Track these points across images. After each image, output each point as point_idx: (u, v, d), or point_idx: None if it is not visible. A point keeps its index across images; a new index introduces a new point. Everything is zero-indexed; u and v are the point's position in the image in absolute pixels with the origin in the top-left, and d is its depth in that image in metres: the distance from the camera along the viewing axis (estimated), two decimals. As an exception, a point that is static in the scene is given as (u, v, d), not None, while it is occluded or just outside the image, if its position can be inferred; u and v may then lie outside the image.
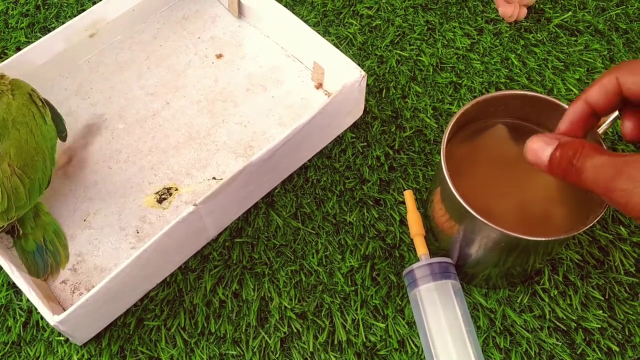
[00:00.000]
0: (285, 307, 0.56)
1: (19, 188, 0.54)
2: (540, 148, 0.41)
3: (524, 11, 0.71)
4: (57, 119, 0.59)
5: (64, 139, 0.61)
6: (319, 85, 0.68)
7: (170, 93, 0.67)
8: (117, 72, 0.68)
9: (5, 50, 0.71)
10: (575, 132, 0.45)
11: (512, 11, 0.70)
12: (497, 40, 0.71)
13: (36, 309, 0.56)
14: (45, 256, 0.57)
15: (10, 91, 0.54)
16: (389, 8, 0.74)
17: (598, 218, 0.47)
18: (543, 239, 0.46)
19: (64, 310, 0.55)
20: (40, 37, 0.71)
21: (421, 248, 0.56)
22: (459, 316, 0.53)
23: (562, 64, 0.69)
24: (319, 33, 0.64)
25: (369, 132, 0.65)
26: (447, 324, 0.52)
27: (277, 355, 0.54)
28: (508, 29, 0.72)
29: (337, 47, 0.63)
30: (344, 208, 0.61)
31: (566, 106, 0.51)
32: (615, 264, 0.58)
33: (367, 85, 0.67)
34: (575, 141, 0.40)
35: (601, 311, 0.56)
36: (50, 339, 0.55)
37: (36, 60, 0.63)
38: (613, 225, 0.60)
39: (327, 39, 0.64)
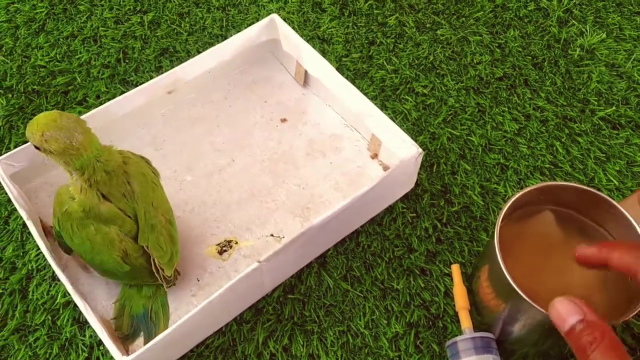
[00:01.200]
0: (333, 365, 0.59)
1: (173, 235, 0.59)
2: (565, 312, 0.42)
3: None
4: None
5: None
6: (375, 156, 0.72)
7: (237, 151, 0.72)
8: (189, 126, 0.74)
9: (87, 98, 0.76)
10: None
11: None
12: (544, 127, 0.75)
13: (98, 346, 0.60)
14: (146, 324, 0.60)
15: (130, 156, 0.58)
16: (443, 88, 0.79)
17: (638, 309, 0.50)
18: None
19: (126, 350, 0.59)
20: (119, 88, 0.77)
21: (465, 321, 0.59)
22: (498, 390, 0.55)
23: (604, 155, 0.73)
24: (377, 106, 0.69)
25: (419, 204, 0.69)
26: (486, 397, 0.55)
27: (322, 412, 0.57)
28: (554, 117, 0.76)
29: (393, 121, 0.68)
30: (391, 275, 0.65)
31: (613, 201, 0.55)
32: (649, 353, 0.60)
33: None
34: (600, 327, 0.40)
35: (634, 398, 0.58)
36: (110, 375, 0.58)
37: (118, 112, 0.69)
38: (648, 315, 0.62)
39: (384, 112, 0.69)
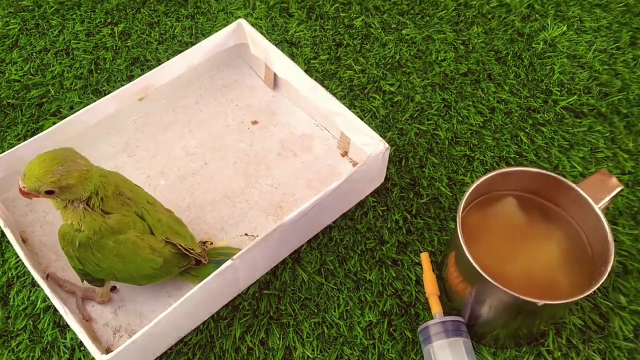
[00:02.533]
0: (308, 356, 0.61)
1: (178, 219, 0.63)
2: None
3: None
4: None
5: None
6: (345, 154, 0.74)
7: (209, 154, 0.74)
8: (161, 132, 0.75)
9: (60, 109, 0.78)
10: None
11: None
12: (508, 119, 0.78)
13: (79, 348, 0.61)
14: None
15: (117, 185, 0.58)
16: (409, 85, 0.81)
17: (598, 285, 0.52)
18: (548, 302, 0.51)
19: (106, 350, 0.60)
20: (92, 99, 0.78)
21: (436, 307, 0.61)
22: (469, 372, 0.57)
23: (568, 143, 0.76)
24: (345, 106, 0.71)
25: (389, 197, 0.71)
26: (458, 379, 0.57)
27: (299, 402, 0.58)
28: (518, 109, 0.78)
29: (362, 119, 0.70)
30: (364, 266, 0.66)
31: (571, 184, 0.57)
32: (615, 330, 0.62)
33: (389, 155, 0.73)
34: None
35: (601, 374, 0.60)
36: (91, 377, 0.60)
37: (90, 120, 0.70)
38: (613, 293, 0.64)
39: (352, 111, 0.71)
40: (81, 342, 0.60)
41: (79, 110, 0.76)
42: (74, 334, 0.61)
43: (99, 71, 0.82)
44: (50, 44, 0.85)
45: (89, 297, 0.63)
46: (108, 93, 0.78)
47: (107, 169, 0.57)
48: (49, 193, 0.52)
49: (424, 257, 0.65)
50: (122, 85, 0.79)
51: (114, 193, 0.56)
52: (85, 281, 0.61)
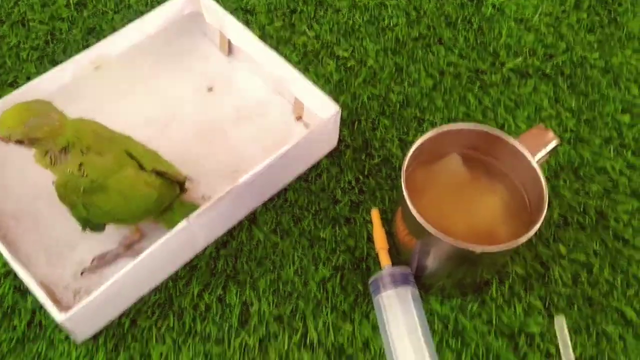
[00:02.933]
0: (264, 311, 0.63)
1: (156, 152, 0.65)
2: None
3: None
4: None
5: None
6: (299, 118, 0.76)
7: (166, 121, 0.75)
8: (118, 101, 0.76)
9: (17, 80, 0.78)
10: None
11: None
12: (457, 81, 0.80)
13: (40, 310, 0.63)
14: None
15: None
16: (362, 51, 0.83)
17: (532, 232, 0.55)
18: (486, 249, 0.54)
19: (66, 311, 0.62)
20: (49, 69, 0.78)
21: (384, 260, 0.64)
22: (416, 320, 0.60)
23: (513, 103, 0.78)
24: (299, 71, 0.72)
25: (342, 159, 0.73)
26: (405, 326, 0.60)
27: (255, 354, 0.61)
28: (467, 71, 0.81)
29: (316, 84, 0.72)
30: (318, 225, 0.69)
31: (510, 139, 0.60)
32: (555, 278, 0.66)
33: (342, 118, 0.75)
34: None
35: (541, 318, 0.63)
36: (52, 337, 0.61)
37: (46, 89, 0.71)
38: (554, 243, 0.68)
39: (306, 76, 0.73)
40: (42, 304, 0.62)
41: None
42: (35, 297, 0.62)
43: (55, 42, 0.82)
44: (5, 16, 0.85)
45: (129, 244, 0.66)
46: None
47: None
48: (19, 143, 0.54)
49: (374, 213, 0.68)
50: (78, 55, 0.80)
51: (96, 137, 0.58)
52: (87, 229, 0.63)
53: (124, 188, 0.59)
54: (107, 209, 0.60)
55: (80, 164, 0.57)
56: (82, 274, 0.64)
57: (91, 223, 0.62)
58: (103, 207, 0.59)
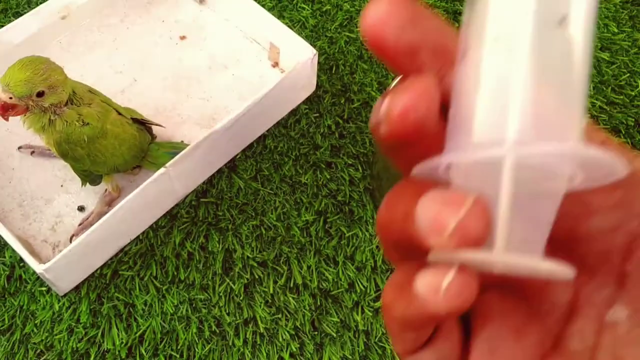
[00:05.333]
0: (248, 257, 0.63)
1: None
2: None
3: None
4: None
5: None
6: (275, 64, 0.75)
7: (138, 71, 0.73)
8: (87, 52, 0.74)
9: (-20, 34, 0.75)
10: None
11: None
12: (435, 23, 0.79)
13: (19, 264, 0.61)
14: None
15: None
16: (338, -5, 0.81)
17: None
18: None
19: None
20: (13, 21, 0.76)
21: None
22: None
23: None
24: (274, 16, 0.71)
25: (321, 104, 0.72)
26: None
27: (241, 298, 0.61)
28: (444, 14, 0.80)
29: (291, 29, 0.70)
30: (299, 171, 0.68)
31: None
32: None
33: (319, 63, 0.74)
34: None
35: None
36: (33, 290, 0.60)
37: (12, 40, 0.69)
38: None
39: (281, 22, 0.71)
40: (21, 258, 0.60)
41: (-1, 32, 0.74)
42: (13, 251, 0.61)
43: (18, -6, 0.79)
44: (-36, -31, 0.82)
45: (109, 201, 0.65)
46: (29, 15, 0.76)
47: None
48: (40, 95, 0.52)
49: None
50: (44, 6, 0.77)
51: (82, 88, 0.58)
52: (87, 184, 0.63)
53: (118, 131, 0.59)
54: (108, 155, 0.59)
55: (79, 115, 0.56)
56: (71, 239, 0.63)
57: (92, 175, 0.62)
58: (105, 153, 0.59)
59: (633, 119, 0.73)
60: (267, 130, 0.70)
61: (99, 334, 0.58)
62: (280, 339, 0.59)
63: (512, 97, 0.17)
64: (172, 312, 0.60)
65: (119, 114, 0.61)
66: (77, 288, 0.61)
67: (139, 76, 0.73)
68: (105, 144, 0.59)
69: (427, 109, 0.17)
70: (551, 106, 0.17)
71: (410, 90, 0.17)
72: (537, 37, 0.17)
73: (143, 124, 0.65)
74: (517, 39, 0.17)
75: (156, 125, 0.67)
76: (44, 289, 0.60)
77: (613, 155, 0.16)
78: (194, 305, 0.60)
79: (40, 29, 0.70)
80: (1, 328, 0.59)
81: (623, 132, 0.72)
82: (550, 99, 0.17)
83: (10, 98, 0.52)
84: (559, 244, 0.19)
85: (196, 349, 0.58)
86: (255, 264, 0.62)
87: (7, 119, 0.54)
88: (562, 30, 0.17)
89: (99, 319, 0.59)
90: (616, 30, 0.80)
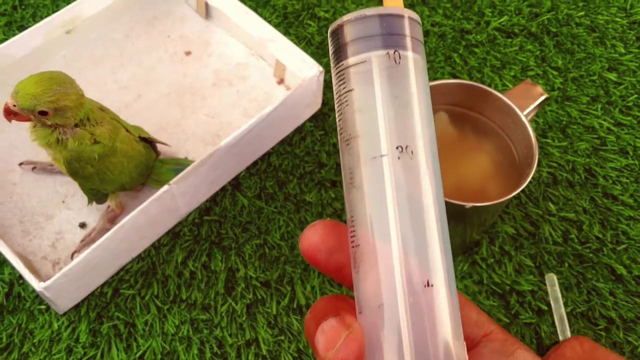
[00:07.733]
0: (251, 276, 0.62)
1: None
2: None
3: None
4: None
5: None
6: (281, 81, 0.74)
7: (142, 87, 0.72)
8: (91, 67, 0.73)
9: (-16, 47, 0.75)
10: None
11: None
12: (442, 42, 0.78)
13: (18, 281, 0.60)
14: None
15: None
16: (344, 12, 0.80)
17: (522, 187, 0.54)
18: (475, 204, 0.53)
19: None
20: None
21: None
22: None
23: (500, 62, 0.77)
24: (280, 33, 0.70)
25: (327, 122, 0.72)
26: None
27: (243, 319, 0.59)
28: (451, 31, 0.79)
29: (297, 46, 0.69)
30: (303, 189, 0.67)
31: (497, 93, 0.58)
32: (545, 236, 0.65)
33: (325, 80, 0.73)
34: None
35: (532, 276, 0.63)
36: (32, 309, 0.59)
37: (16, 54, 0.68)
38: (544, 202, 0.67)
39: (287, 38, 0.70)
40: (20, 275, 0.59)
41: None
42: (12, 269, 0.60)
43: (23, 7, 0.79)
44: (-31, -18, 0.81)
45: (112, 218, 0.64)
46: (34, 28, 0.76)
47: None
48: (42, 114, 0.51)
49: None
50: (49, 20, 0.77)
51: (94, 107, 0.57)
52: (93, 202, 0.62)
53: (127, 148, 0.59)
54: (116, 172, 0.58)
55: (92, 134, 0.55)
56: (72, 256, 0.62)
57: (99, 193, 0.61)
58: (113, 171, 0.58)
59: (642, 141, 0.72)
60: (272, 148, 0.70)
61: (99, 355, 0.57)
62: (283, 362, 0.58)
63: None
64: (173, 332, 0.59)
65: (127, 131, 0.60)
66: (76, 307, 0.59)
67: (143, 91, 0.72)
68: (115, 161, 0.58)
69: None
70: None
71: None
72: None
73: (149, 142, 0.64)
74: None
75: (162, 143, 0.66)
76: (43, 307, 0.59)
77: None
78: (195, 325, 0.59)
79: (45, 43, 0.70)
80: (-1, 347, 0.58)
81: (631, 153, 0.71)
82: None
83: (14, 106, 0.51)
84: None
85: (197, 371, 0.57)
86: (258, 284, 0.61)
87: (10, 121, 0.53)
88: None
89: (99, 339, 0.58)
90: (623, 51, 0.79)
